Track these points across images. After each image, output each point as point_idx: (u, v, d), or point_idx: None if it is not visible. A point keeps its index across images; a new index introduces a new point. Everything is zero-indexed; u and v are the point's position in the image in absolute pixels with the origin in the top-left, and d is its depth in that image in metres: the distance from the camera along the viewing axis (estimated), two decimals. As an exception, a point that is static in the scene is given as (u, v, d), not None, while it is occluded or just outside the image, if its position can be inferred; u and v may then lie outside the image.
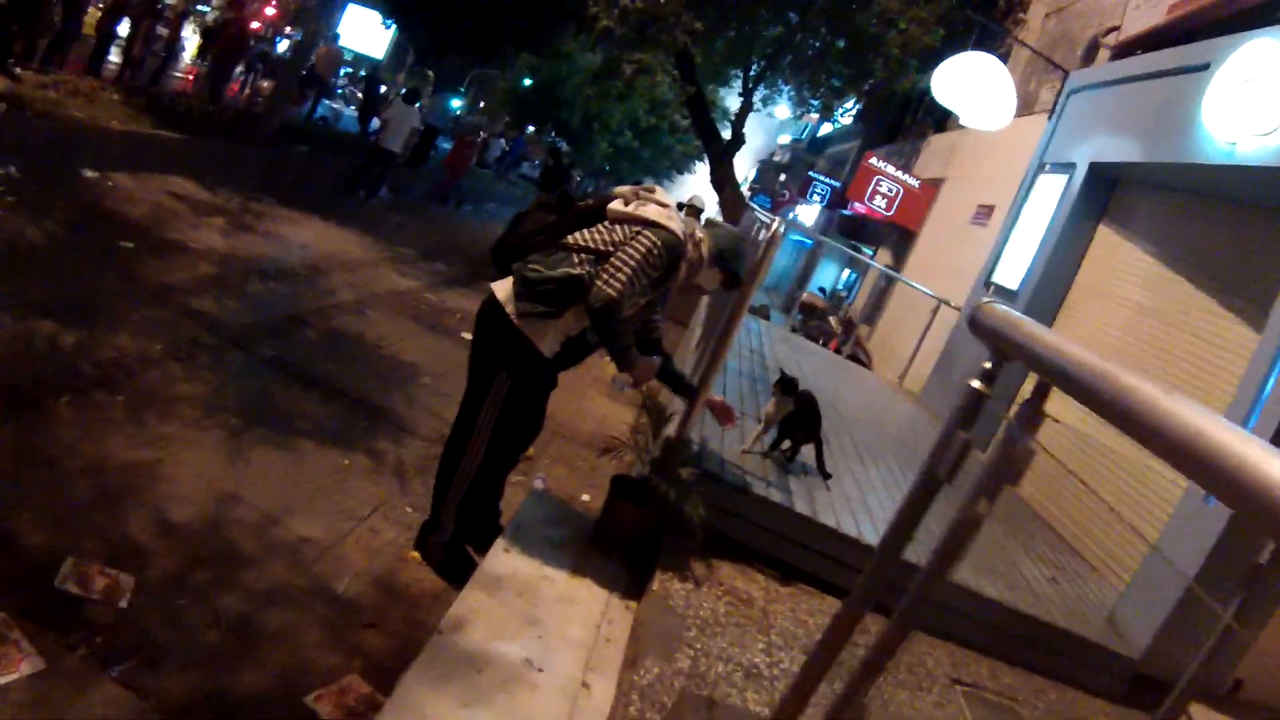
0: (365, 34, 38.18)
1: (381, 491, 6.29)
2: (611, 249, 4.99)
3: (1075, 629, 6.14)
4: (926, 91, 16.13)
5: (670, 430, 5.73)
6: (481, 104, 56.92)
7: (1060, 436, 9.63)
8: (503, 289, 5.15)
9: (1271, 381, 6.49)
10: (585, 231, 5.12)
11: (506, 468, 5.70)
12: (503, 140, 45.87)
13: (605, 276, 4.86)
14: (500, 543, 5.09)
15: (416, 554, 5.56)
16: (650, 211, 5.10)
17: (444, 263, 15.28)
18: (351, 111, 33.62)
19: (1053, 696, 5.84)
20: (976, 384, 2.43)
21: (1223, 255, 8.59)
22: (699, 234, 5.37)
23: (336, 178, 19.24)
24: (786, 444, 6.74)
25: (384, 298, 11.42)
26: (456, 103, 55.72)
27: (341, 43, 35.77)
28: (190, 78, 23.35)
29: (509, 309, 5.05)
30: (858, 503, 6.53)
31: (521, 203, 31.73)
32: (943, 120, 23.89)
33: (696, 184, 39.08)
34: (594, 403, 10.41)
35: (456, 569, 5.35)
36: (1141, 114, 9.85)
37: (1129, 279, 9.81)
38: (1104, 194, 10.75)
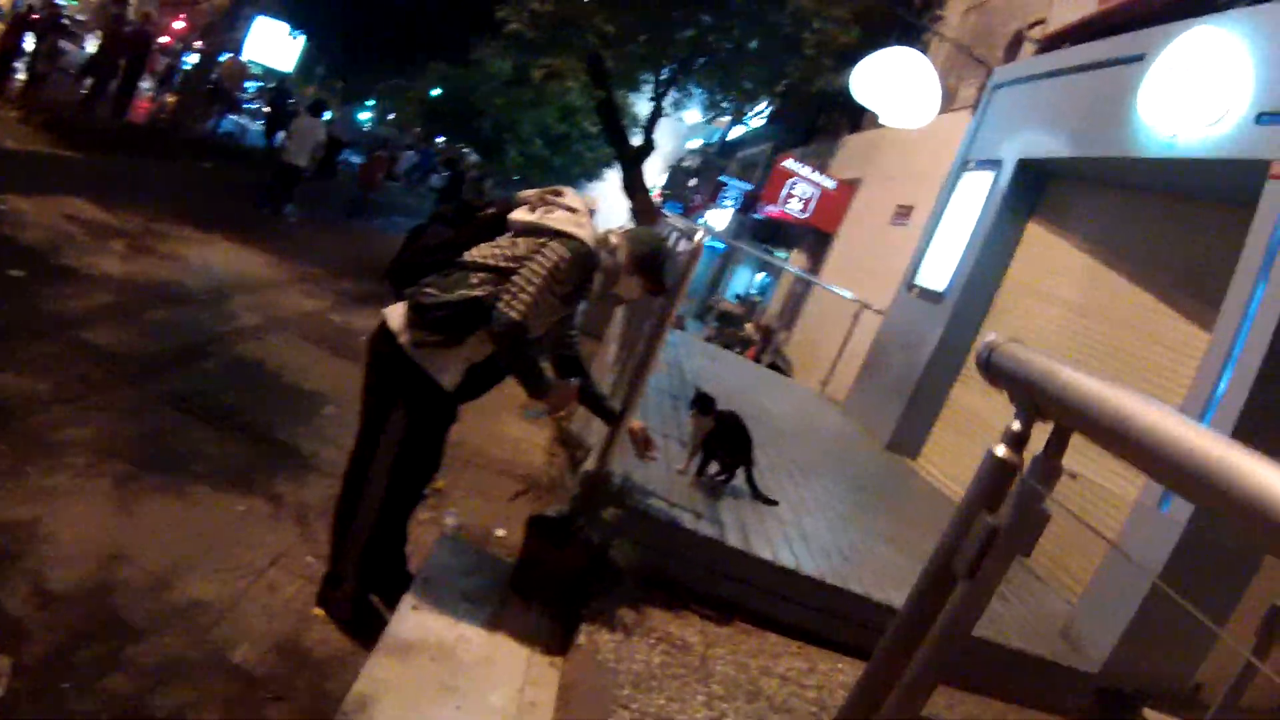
0: (274, 47, 37.61)
1: (281, 540, 5.74)
2: (514, 265, 4.50)
3: (1031, 649, 5.87)
4: (842, 91, 15.88)
5: (590, 463, 5.28)
6: (391, 115, 56.54)
7: (978, 438, 9.40)
8: (395, 316, 4.65)
9: (1224, 382, 6.24)
10: (485, 246, 4.63)
11: (409, 510, 5.20)
12: (412, 152, 45.42)
13: (507, 297, 4.38)
14: (408, 599, 4.53)
15: (320, 610, 5.08)
16: (557, 219, 4.63)
17: (350, 280, 14.62)
18: (259, 125, 32.90)
19: (1013, 721, 5.55)
20: (1002, 451, 1.99)
21: (1165, 250, 8.39)
22: (614, 239, 4.91)
23: (242, 193, 18.57)
24: (715, 467, 6.34)
25: (288, 320, 10.82)
26: (365, 115, 55.36)
27: (249, 56, 35.18)
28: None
29: (403, 339, 4.56)
30: (793, 528, 6.13)
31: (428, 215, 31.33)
32: (858, 120, 23.71)
33: (608, 191, 38.94)
34: (506, 426, 9.93)
35: (363, 624, 4.83)
36: (1073, 108, 9.62)
37: (1064, 277, 9.57)
38: (1033, 190, 10.51)
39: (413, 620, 4.37)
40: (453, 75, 39.16)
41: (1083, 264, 9.41)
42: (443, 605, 4.58)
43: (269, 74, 41.66)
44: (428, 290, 4.51)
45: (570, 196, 4.77)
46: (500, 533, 6.94)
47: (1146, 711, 6.10)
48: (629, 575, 4.67)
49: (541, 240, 4.54)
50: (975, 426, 10.02)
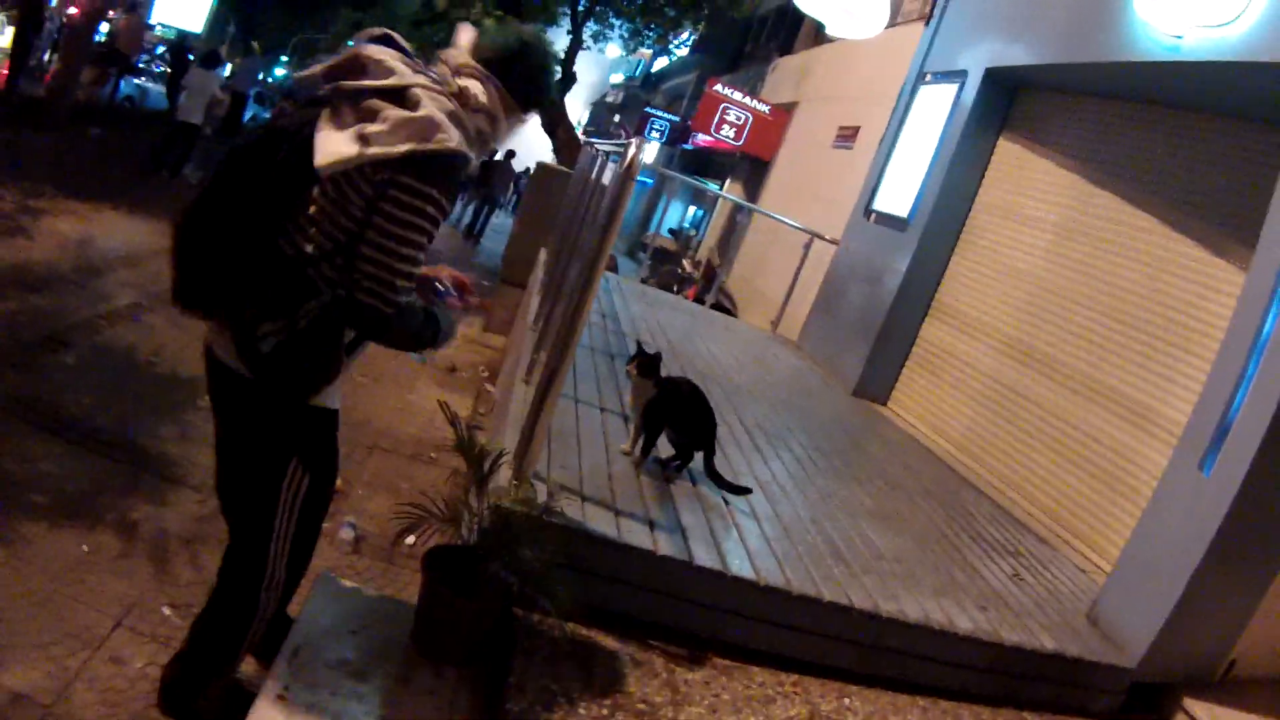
0: (184, 7, 36.02)
1: (132, 587, 4.52)
2: (353, 228, 2.96)
3: (1068, 649, 4.83)
4: (771, 13, 14.79)
5: (502, 474, 4.01)
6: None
7: (976, 382, 8.41)
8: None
9: (1271, 321, 5.15)
10: (304, 219, 2.98)
11: (311, 550, 3.84)
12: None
13: (368, 286, 2.93)
14: (271, 687, 3.18)
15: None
16: (400, 128, 2.90)
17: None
18: (162, 88, 31.27)
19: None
20: None
21: (1169, 169, 7.32)
22: (463, 82, 3.22)
23: (138, 160, 17.17)
24: (660, 451, 5.15)
25: (169, 294, 9.43)
26: (280, 71, 53.95)
27: (159, 18, 33.64)
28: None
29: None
30: (769, 521, 4.97)
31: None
32: (789, 43, 22.79)
33: (529, 131, 38.11)
34: (421, 395, 8.72)
35: (231, 711, 3.62)
36: (1051, 9, 8.44)
37: (1045, 197, 8.49)
38: (1004, 103, 9.38)
39: (273, 721, 3.10)
40: (364, 20, 37.86)
41: (1065, 183, 8.33)
42: (319, 687, 3.24)
43: (182, 35, 40.05)
44: (267, 336, 3.01)
45: (392, 61, 3.07)
46: (410, 541, 5.80)
47: (1188, 701, 5.20)
48: (566, 630, 3.46)
49: (381, 179, 2.93)
50: (950, 366, 8.97)
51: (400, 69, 3.04)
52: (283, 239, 2.98)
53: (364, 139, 2.87)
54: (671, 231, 26.91)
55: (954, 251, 9.49)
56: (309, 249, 2.97)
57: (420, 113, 2.93)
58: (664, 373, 5.02)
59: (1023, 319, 8.17)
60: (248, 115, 26.16)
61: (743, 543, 4.52)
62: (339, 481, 6.19)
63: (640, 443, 5.08)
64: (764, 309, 14.64)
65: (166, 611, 4.37)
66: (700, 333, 10.41)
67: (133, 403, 6.65)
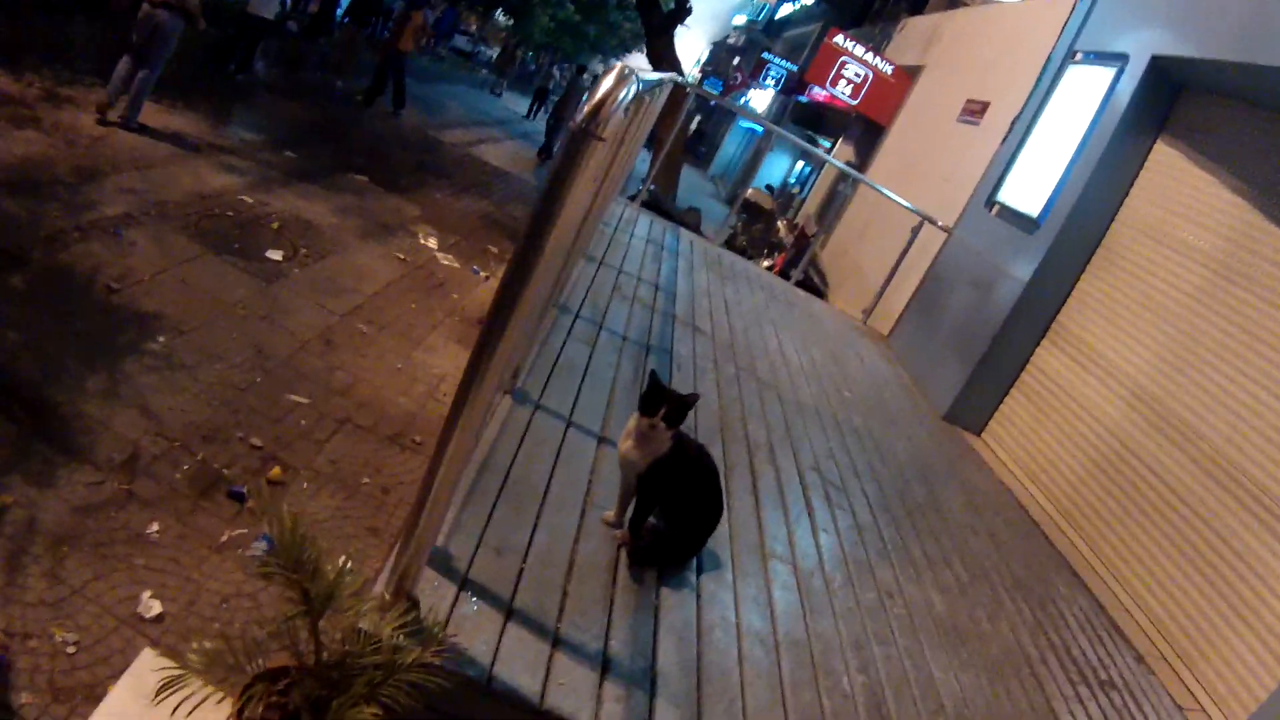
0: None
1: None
2: None
3: None
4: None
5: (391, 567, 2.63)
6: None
7: (1090, 432, 7.03)
8: None
9: None
10: None
11: None
12: (429, 11, 42.84)
13: None
14: None
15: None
16: None
17: (298, 150, 11.99)
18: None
19: None
20: None
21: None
22: None
23: (202, 54, 15.91)
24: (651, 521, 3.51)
25: (171, 206, 8.16)
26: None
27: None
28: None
29: None
30: (796, 649, 3.49)
31: (450, 79, 28.64)
32: (920, 2, 21.23)
33: (634, 63, 37.20)
34: (432, 353, 7.36)
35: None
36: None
37: (1205, 223, 6.94)
38: (1166, 100, 7.81)
39: None
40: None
41: (1232, 210, 6.75)
42: None
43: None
44: None
45: None
46: (342, 561, 4.50)
47: None
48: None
49: None
50: (1062, 405, 7.52)
51: None
52: None
53: None
54: (769, 187, 25.39)
55: (1086, 268, 8.03)
56: None
57: None
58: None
59: (1159, 367, 6.72)
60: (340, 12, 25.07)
61: (742, 700, 3.04)
62: (276, 469, 4.93)
63: (630, 514, 3.55)
64: (858, 292, 13.18)
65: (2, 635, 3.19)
66: (775, 318, 8.97)
67: (69, 343, 5.43)
